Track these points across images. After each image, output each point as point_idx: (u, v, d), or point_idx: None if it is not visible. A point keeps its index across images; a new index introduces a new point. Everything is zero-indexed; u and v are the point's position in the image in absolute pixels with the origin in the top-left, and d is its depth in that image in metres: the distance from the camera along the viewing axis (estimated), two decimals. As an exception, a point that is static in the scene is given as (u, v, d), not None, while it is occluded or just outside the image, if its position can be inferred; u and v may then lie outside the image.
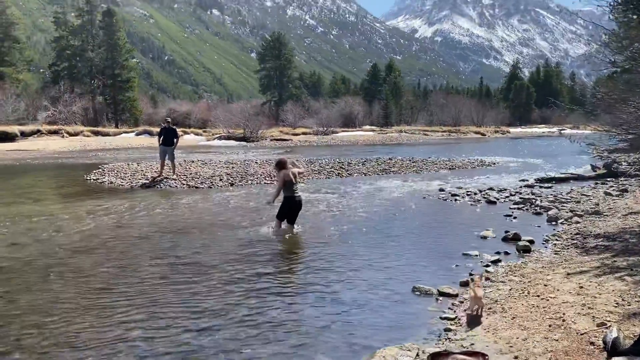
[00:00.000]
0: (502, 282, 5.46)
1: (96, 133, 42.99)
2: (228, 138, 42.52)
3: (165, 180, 14.23)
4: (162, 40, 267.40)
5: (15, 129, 37.82)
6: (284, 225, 8.15)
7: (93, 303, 4.98)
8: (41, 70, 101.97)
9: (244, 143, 39.84)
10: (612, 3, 8.28)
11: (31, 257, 6.69)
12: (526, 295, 4.87)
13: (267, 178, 14.92)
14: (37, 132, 38.84)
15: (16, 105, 42.84)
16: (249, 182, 14.36)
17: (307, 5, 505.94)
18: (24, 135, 37.61)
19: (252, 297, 5.15)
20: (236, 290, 5.37)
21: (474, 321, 4.37)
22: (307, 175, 14.68)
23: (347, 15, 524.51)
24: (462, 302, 4.91)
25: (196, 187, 13.46)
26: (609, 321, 4.02)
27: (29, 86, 55.38)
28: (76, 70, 57.34)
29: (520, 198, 11.34)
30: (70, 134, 40.38)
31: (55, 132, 39.97)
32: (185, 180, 14.35)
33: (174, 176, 14.70)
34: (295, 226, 8.19)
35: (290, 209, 8.05)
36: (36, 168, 19.51)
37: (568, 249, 6.86)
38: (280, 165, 8.09)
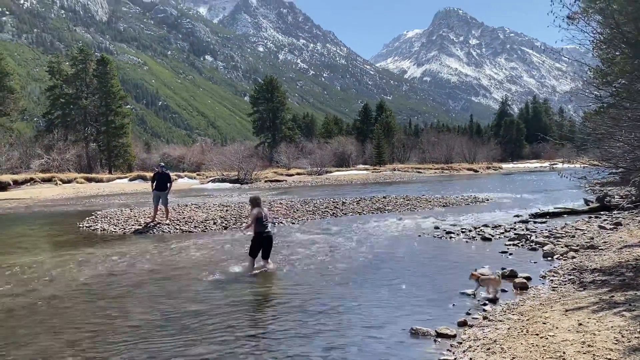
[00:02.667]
0: (500, 320, 5.38)
1: (90, 180, 42.94)
2: (222, 180, 42.58)
3: (158, 225, 14.13)
4: (155, 86, 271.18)
5: (7, 177, 37.76)
6: (261, 262, 8.41)
7: (87, 356, 4.84)
8: (35, 118, 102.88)
9: (238, 185, 39.87)
10: (593, 41, 8.51)
11: (20, 308, 6.55)
12: (525, 334, 4.79)
13: (261, 220, 14.84)
14: (31, 181, 38.76)
15: (10, 154, 42.90)
16: (243, 224, 14.27)
17: (298, 50, 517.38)
18: (17, 183, 37.51)
19: (246, 344, 5.04)
20: (229, 337, 5.26)
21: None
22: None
23: (338, 58, 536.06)
24: (460, 343, 4.82)
25: (189, 232, 13.36)
26: (610, 359, 3.95)
27: (23, 135, 55.60)
28: (70, 118, 57.73)
29: (515, 234, 11.33)
30: (64, 182, 40.30)
31: (48, 180, 39.89)
32: (178, 224, 14.26)
33: (167, 221, 14.61)
34: (269, 261, 8.44)
35: (260, 243, 8.40)
36: (29, 217, 19.36)
37: (565, 284, 6.80)
38: (254, 202, 8.64)
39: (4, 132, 47.57)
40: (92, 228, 14.35)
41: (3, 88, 54.24)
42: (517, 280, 7.03)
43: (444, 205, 18.72)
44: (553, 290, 6.58)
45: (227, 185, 40.19)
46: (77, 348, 5.06)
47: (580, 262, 8.14)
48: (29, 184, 38.20)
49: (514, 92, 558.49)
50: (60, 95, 57.86)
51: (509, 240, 10.59)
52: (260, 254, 8.49)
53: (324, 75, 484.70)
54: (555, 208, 15.94)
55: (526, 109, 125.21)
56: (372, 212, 16.83)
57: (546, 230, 11.74)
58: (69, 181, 40.76)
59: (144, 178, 43.20)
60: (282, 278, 7.93)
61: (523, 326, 5.04)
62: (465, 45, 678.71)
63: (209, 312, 6.18)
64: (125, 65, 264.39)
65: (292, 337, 5.24)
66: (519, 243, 10.27)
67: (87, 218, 16.42)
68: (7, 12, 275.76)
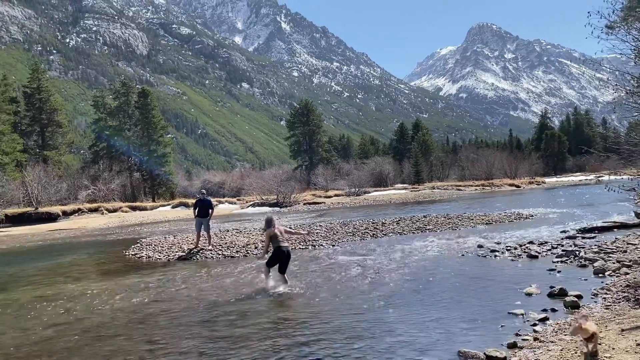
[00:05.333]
0: (552, 341, 5.20)
1: (134, 208, 44.16)
2: (262, 204, 43.02)
3: (201, 251, 14.37)
4: (195, 115, 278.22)
5: (57, 209, 39.29)
6: (278, 276, 9.04)
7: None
8: (81, 151, 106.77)
9: (277, 208, 40.17)
10: (635, 49, 8.28)
11: (72, 337, 6.75)
12: (579, 356, 4.61)
13: (301, 243, 14.90)
14: (78, 211, 40.19)
15: (58, 186, 44.66)
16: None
17: (332, 73, 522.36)
18: (66, 214, 38.98)
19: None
20: (275, 362, 5.26)
21: None
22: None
23: (372, 79, 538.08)
24: (511, 366, 4.67)
25: (231, 257, 13.51)
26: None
27: (70, 167, 57.85)
28: (114, 149, 59.83)
29: (563, 250, 10.97)
30: (110, 211, 41.60)
31: (95, 210, 41.28)
32: (220, 250, 14.45)
33: (210, 247, 14.84)
34: (285, 277, 9.03)
35: (278, 257, 9.06)
36: (77, 246, 20.00)
37: (619, 302, 6.52)
38: (268, 223, 9.21)
39: (53, 165, 49.63)
40: (138, 256, 14.70)
41: (52, 123, 56.96)
42: (567, 298, 6.79)
43: (486, 223, 18.31)
44: (607, 308, 6.32)
45: (267, 209, 40.55)
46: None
47: (635, 278, 7.79)
48: (77, 214, 39.62)
49: (553, 104, 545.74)
50: (104, 127, 60.19)
51: (556, 257, 10.25)
52: (277, 268, 9.13)
53: (359, 96, 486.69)
54: (603, 222, 15.35)
55: (567, 121, 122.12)
56: (413, 232, 16.62)
57: (595, 245, 11.31)
58: (115, 210, 42.04)
59: (186, 205, 44.13)
60: (323, 300, 7.89)
61: (577, 347, 4.85)
62: (500, 60, 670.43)
63: (253, 336, 6.21)
64: (166, 96, 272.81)
65: (337, 362, 5.20)
66: (567, 260, 9.93)
67: (132, 246, 16.85)
68: (55, 51, 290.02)
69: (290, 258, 9.29)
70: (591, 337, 4.41)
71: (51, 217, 37.55)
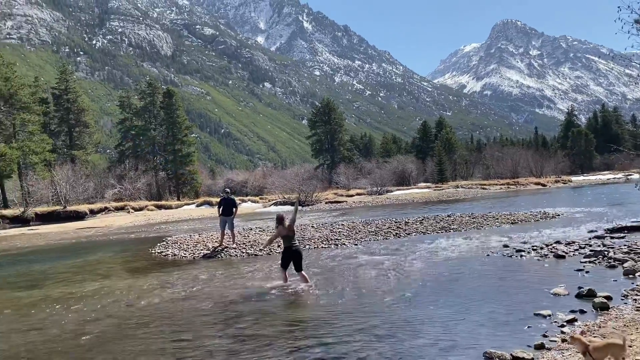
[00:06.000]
0: (580, 343, 5.12)
1: (159, 207, 44.78)
2: (284, 203, 43.17)
3: (225, 249, 14.51)
4: (218, 114, 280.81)
5: (85, 207, 40.12)
6: (298, 275, 9.19)
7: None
8: (108, 150, 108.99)
9: (299, 207, 40.27)
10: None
11: (101, 333, 6.90)
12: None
13: (324, 242, 14.93)
14: (105, 209, 40.97)
15: (86, 185, 45.58)
16: (306, 246, 14.38)
17: (353, 71, 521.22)
18: (93, 213, 39.77)
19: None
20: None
21: None
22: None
23: (394, 77, 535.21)
24: (538, 367, 4.62)
25: (255, 255, 13.61)
26: None
27: (97, 166, 59.02)
28: (140, 149, 60.81)
29: (591, 250, 10.77)
30: (136, 209, 42.27)
31: (121, 208, 42.00)
32: (244, 248, 14.57)
33: (234, 245, 14.97)
34: (303, 274, 9.18)
35: (288, 257, 9.26)
36: (104, 244, 20.40)
37: (650, 304, 6.39)
38: (278, 220, 9.46)
39: (81, 165, 50.67)
40: (164, 254, 14.92)
41: (80, 123, 58.22)
42: (596, 300, 6.67)
43: (512, 222, 18.07)
44: (637, 310, 6.19)
45: (289, 207, 40.65)
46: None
47: (666, 279, 7.62)
48: (103, 212, 40.38)
49: (580, 101, 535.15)
50: (130, 127, 61.24)
51: (584, 258, 10.07)
52: (293, 267, 9.27)
53: (381, 94, 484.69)
54: (633, 222, 15.02)
55: (595, 118, 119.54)
56: (437, 232, 16.50)
57: (625, 245, 11.07)
58: (140, 209, 42.70)
59: (210, 204, 44.56)
60: (346, 300, 7.90)
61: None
62: (525, 57, 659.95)
63: (278, 335, 6.26)
64: (190, 96, 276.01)
65: (362, 361, 5.22)
66: (595, 260, 9.74)
67: (158, 244, 17.09)
68: (82, 52, 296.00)
69: (301, 256, 9.32)
70: (585, 352, 4.15)
71: (79, 216, 38.36)
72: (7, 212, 38.53)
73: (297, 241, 9.54)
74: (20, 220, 36.94)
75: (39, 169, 45.29)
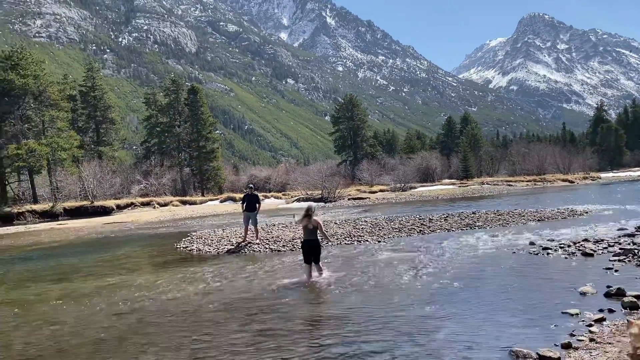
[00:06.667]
0: (609, 343, 5.02)
1: (184, 202, 45.38)
2: (306, 199, 43.25)
3: (249, 245, 14.62)
4: (242, 111, 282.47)
5: (111, 203, 40.89)
6: (314, 267, 9.47)
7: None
8: (134, 147, 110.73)
9: (322, 204, 40.32)
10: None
11: (127, 326, 7.03)
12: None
13: (347, 238, 14.93)
14: (131, 205, 41.70)
15: (112, 181, 46.43)
16: (329, 243, 14.38)
17: (377, 67, 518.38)
18: (120, 208, 40.52)
19: (340, 363, 5.07)
20: (321, 355, 5.31)
21: None
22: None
23: (418, 72, 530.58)
24: (565, 367, 4.54)
25: (278, 251, 13.68)
26: None
27: (123, 162, 60.00)
28: (165, 145, 61.59)
29: (621, 249, 10.51)
30: (161, 205, 42.91)
31: (147, 204, 42.70)
32: (267, 244, 14.66)
33: (257, 241, 15.08)
34: (320, 266, 9.51)
35: (305, 251, 9.52)
36: (130, 239, 20.75)
37: (683, 304, 6.21)
38: (305, 212, 9.64)
39: (108, 161, 51.60)
40: (189, 249, 15.10)
41: (106, 120, 59.29)
42: (625, 299, 6.52)
43: (538, 220, 17.77)
44: (669, 310, 6.03)
45: (312, 204, 40.70)
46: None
47: (700, 279, 7.40)
48: (130, 208, 41.10)
49: (610, 96, 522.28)
50: (155, 124, 62.04)
51: (613, 256, 9.85)
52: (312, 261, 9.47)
53: (405, 90, 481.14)
54: (665, 220, 14.63)
55: (625, 113, 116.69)
56: (461, 229, 16.33)
57: (656, 244, 10.79)
58: (166, 204, 43.34)
59: (233, 199, 44.97)
60: (369, 296, 7.88)
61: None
62: (553, 51, 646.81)
63: (298, 329, 6.29)
64: (214, 93, 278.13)
65: (385, 357, 5.20)
66: (625, 258, 9.51)
67: (183, 239, 17.32)
68: (108, 50, 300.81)
69: (317, 250, 9.47)
70: None
71: (106, 211, 39.13)
72: (36, 206, 39.52)
73: (318, 236, 9.58)
74: (49, 215, 37.87)
75: (67, 165, 46.27)
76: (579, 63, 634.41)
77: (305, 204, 40.04)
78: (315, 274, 9.44)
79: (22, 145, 41.71)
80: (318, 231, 9.51)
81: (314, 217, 9.51)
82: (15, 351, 6.24)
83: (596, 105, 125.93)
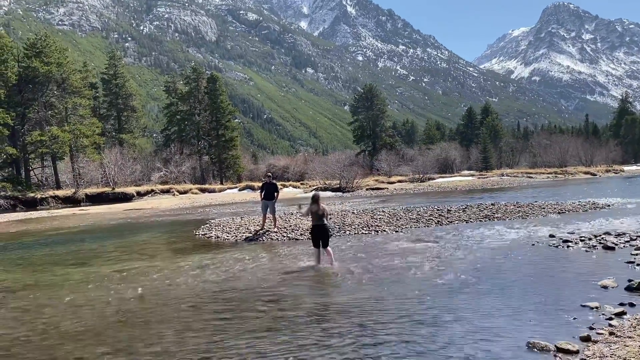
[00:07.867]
0: (630, 337, 4.96)
1: (203, 190, 45.75)
2: (324, 189, 43.27)
3: (267, 233, 14.71)
4: (261, 100, 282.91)
5: (132, 190, 41.45)
6: (324, 252, 9.78)
7: (206, 356, 5.18)
8: (154, 134, 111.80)
9: (340, 193, 40.32)
10: None
11: (147, 311, 7.16)
12: (660, 353, 4.37)
13: (364, 228, 14.92)
14: (151, 192, 42.19)
15: (133, 168, 47.02)
16: (346, 232, 14.42)
17: (397, 56, 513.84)
18: (140, 195, 41.04)
19: (359, 352, 5.09)
20: (339, 344, 5.34)
21: None
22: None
23: (439, 62, 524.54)
24: (584, 360, 4.50)
25: (296, 239, 13.74)
26: None
27: (144, 150, 60.65)
28: (185, 133, 62.06)
29: (643, 243, 10.34)
30: (180, 192, 43.33)
31: (167, 191, 43.16)
32: (285, 232, 14.73)
33: (275, 229, 15.16)
34: (328, 250, 9.79)
35: (315, 234, 9.88)
36: (150, 225, 21.02)
37: None
38: (313, 199, 10.05)
39: (128, 148, 52.24)
40: (207, 236, 15.26)
41: (127, 108, 59.97)
42: (647, 293, 6.42)
43: (559, 212, 17.53)
44: (692, 305, 5.93)
45: (330, 193, 40.76)
46: (196, 349, 5.42)
47: None
48: (150, 195, 41.59)
49: (635, 88, 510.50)
50: (176, 112, 62.50)
51: (635, 250, 9.70)
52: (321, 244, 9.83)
53: (425, 80, 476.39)
54: (690, 214, 14.33)
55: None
56: (480, 220, 16.20)
57: (681, 238, 10.58)
58: (185, 192, 43.76)
59: (252, 188, 45.19)
60: (386, 286, 7.89)
61: (657, 344, 4.60)
62: (577, 41, 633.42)
63: (316, 317, 6.33)
64: (233, 82, 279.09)
65: (402, 347, 5.21)
66: (648, 253, 9.36)
67: (202, 226, 17.50)
68: (130, 38, 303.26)
69: (326, 234, 9.84)
70: None
71: (126, 197, 39.69)
72: (59, 192, 40.31)
73: (326, 220, 9.99)
74: (71, 201, 38.58)
75: (89, 152, 46.98)
76: (604, 54, 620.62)
77: (325, 194, 40.17)
78: (325, 257, 9.72)
79: (46, 132, 42.47)
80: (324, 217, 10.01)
81: (320, 203, 9.98)
82: (39, 330, 6.40)
83: (621, 97, 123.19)
